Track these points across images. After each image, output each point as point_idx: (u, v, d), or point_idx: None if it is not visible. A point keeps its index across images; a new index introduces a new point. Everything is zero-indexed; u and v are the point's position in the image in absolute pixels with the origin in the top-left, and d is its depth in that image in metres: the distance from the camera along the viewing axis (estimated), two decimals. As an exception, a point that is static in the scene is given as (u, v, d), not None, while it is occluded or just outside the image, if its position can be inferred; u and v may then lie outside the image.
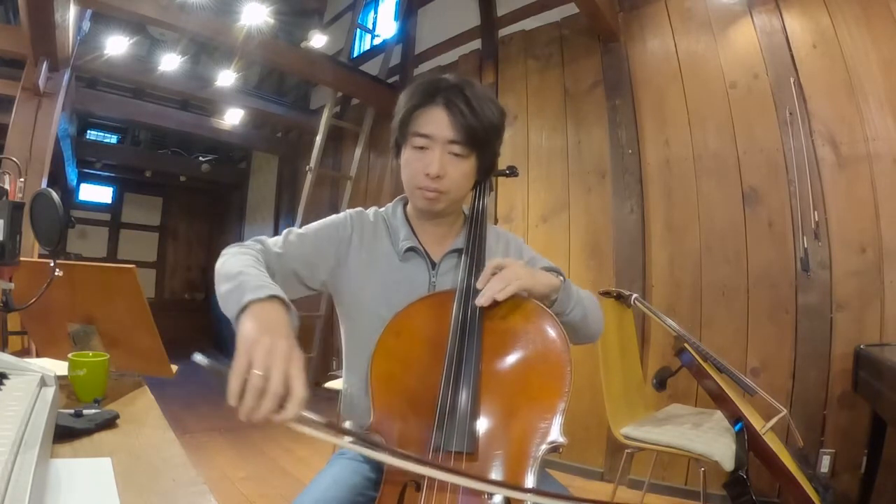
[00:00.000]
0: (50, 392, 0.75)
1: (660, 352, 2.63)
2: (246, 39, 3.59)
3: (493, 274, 0.84)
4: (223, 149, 7.02)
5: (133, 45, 4.34)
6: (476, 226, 0.99)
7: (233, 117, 5.48)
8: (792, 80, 2.35)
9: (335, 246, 0.99)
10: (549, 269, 0.97)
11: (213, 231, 7.93)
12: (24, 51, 3.14)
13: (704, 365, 1.65)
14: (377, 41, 5.05)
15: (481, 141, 0.92)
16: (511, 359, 0.84)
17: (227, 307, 0.74)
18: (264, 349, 0.63)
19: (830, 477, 2.13)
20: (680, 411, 2.04)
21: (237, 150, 7.09)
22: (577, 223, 3.04)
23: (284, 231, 0.99)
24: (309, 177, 4.41)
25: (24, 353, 2.24)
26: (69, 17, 2.90)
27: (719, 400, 1.65)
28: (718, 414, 1.82)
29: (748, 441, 1.56)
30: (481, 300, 0.81)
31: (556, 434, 0.77)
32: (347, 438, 0.74)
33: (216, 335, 6.65)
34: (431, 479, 0.73)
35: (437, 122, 0.91)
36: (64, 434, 0.73)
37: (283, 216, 5.98)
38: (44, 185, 3.22)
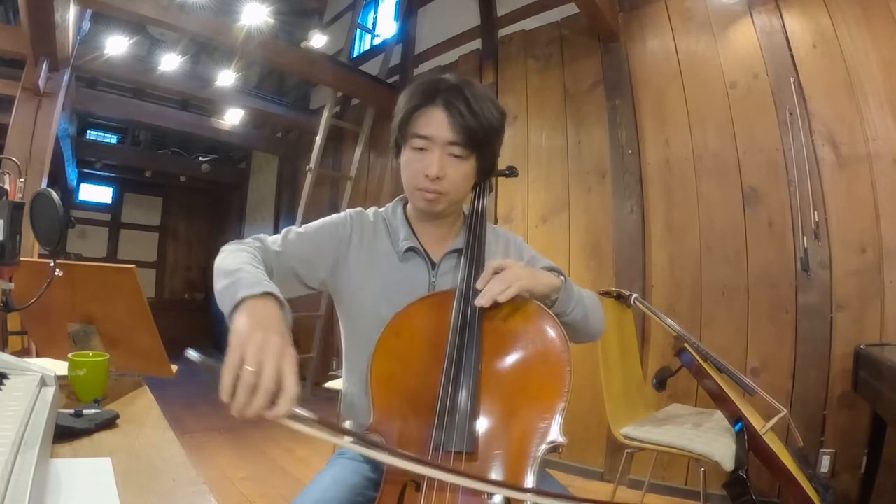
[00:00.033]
0: (50, 392, 0.75)
1: (660, 352, 2.63)
2: (246, 39, 3.59)
3: (494, 275, 0.84)
4: (223, 149, 7.02)
5: (133, 45, 4.34)
6: (476, 226, 0.99)
7: (233, 117, 5.48)
8: (792, 80, 2.35)
9: (334, 245, 0.99)
10: (549, 269, 0.97)
11: (213, 231, 7.93)
12: (24, 51, 3.14)
13: (704, 365, 1.65)
14: (377, 41, 5.05)
15: (481, 142, 0.92)
16: (511, 359, 0.84)
17: (223, 303, 0.74)
18: (256, 345, 0.63)
19: (830, 477, 2.13)
20: (680, 411, 2.04)
21: (237, 150, 7.10)
22: (577, 223, 3.04)
23: (284, 230, 0.99)
24: (309, 177, 4.41)
25: (24, 353, 2.24)
26: (69, 17, 2.90)
27: (719, 400, 1.65)
28: (718, 414, 1.82)
29: (748, 441, 1.56)
30: (482, 301, 0.81)
31: (555, 434, 0.77)
32: (347, 438, 0.74)
33: (216, 335, 6.65)
34: (431, 479, 0.73)
35: (436, 123, 0.91)
36: (64, 434, 0.73)
37: (283, 216, 5.98)
38: (44, 185, 3.22)
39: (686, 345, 1.69)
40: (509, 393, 0.81)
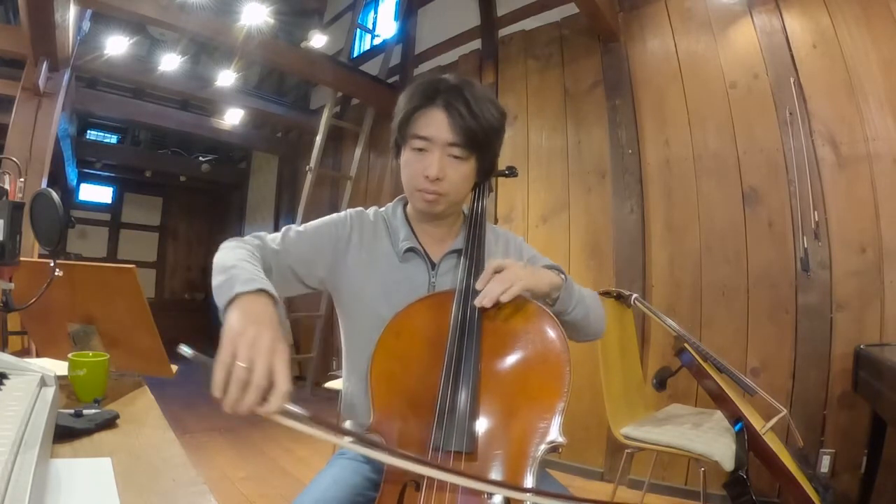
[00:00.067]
0: (50, 392, 0.75)
1: (660, 352, 2.63)
2: (246, 39, 3.59)
3: (494, 275, 0.84)
4: (223, 149, 7.02)
5: (133, 45, 4.34)
6: (475, 226, 0.99)
7: (233, 117, 5.48)
8: (792, 80, 2.35)
9: (333, 244, 0.99)
10: (549, 268, 0.97)
11: (213, 231, 7.92)
12: (24, 51, 3.14)
13: (704, 365, 1.65)
14: (377, 41, 5.05)
15: (481, 143, 0.92)
16: (510, 359, 0.84)
17: (219, 299, 0.75)
18: (248, 341, 0.63)
19: (830, 477, 2.13)
20: (680, 411, 2.04)
21: (237, 150, 7.10)
22: (577, 223, 3.04)
23: (284, 228, 0.99)
24: (309, 177, 4.41)
25: (24, 353, 2.24)
26: (69, 17, 2.90)
27: (719, 400, 1.65)
28: (718, 414, 1.82)
29: (748, 441, 1.56)
30: (483, 301, 0.81)
31: (555, 434, 0.77)
32: (347, 438, 0.74)
33: (216, 335, 6.64)
34: (431, 479, 0.73)
35: (436, 124, 0.91)
36: (64, 434, 0.73)
37: (283, 216, 5.98)
38: (44, 185, 3.22)
39: (686, 345, 1.69)
40: (509, 393, 0.81)
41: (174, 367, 1.19)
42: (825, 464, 2.15)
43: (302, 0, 5.43)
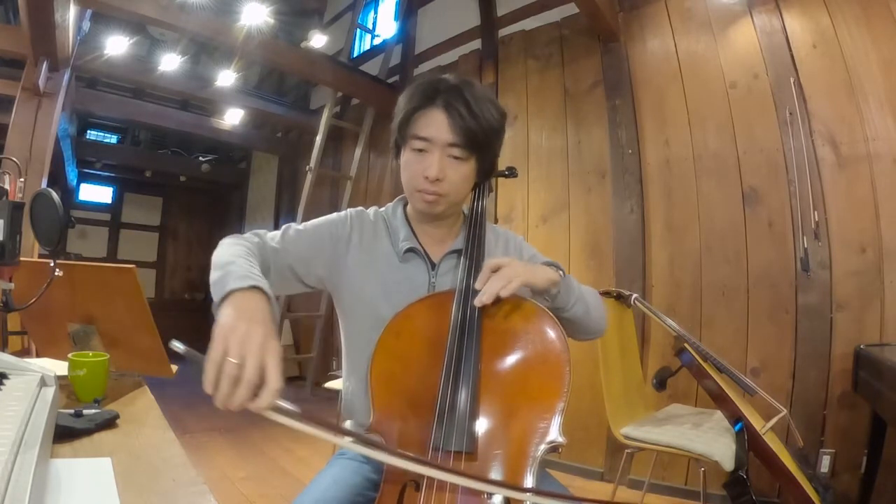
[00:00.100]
0: (50, 392, 0.75)
1: (660, 352, 2.63)
2: (246, 39, 3.59)
3: (492, 274, 0.84)
4: (223, 149, 7.02)
5: (133, 45, 4.34)
6: (475, 226, 0.99)
7: (233, 117, 5.48)
8: (792, 80, 2.35)
9: (333, 243, 0.99)
10: (548, 265, 0.97)
11: (213, 231, 7.92)
12: (24, 51, 3.14)
13: (704, 365, 1.65)
14: (377, 41, 5.05)
15: (481, 143, 0.92)
16: (510, 359, 0.84)
17: (214, 295, 0.75)
18: (240, 337, 0.63)
19: (830, 477, 2.13)
20: (680, 411, 2.04)
21: (237, 150, 7.09)
22: (577, 223, 3.04)
23: (284, 226, 0.99)
24: (309, 177, 4.41)
25: (24, 353, 2.24)
26: (69, 17, 2.90)
27: (719, 400, 1.65)
28: (718, 414, 1.82)
29: (748, 441, 1.56)
30: (483, 297, 0.81)
31: (555, 434, 0.77)
32: (347, 438, 0.74)
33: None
34: (431, 479, 0.73)
35: (436, 124, 0.91)
36: (64, 434, 0.73)
37: (283, 216, 5.98)
38: (44, 185, 3.22)
39: (686, 345, 1.69)
40: (509, 393, 0.81)
41: (174, 367, 1.19)
42: (825, 464, 2.15)
43: (302, 0, 5.43)
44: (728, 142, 2.54)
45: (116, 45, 4.07)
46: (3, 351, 1.02)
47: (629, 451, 1.88)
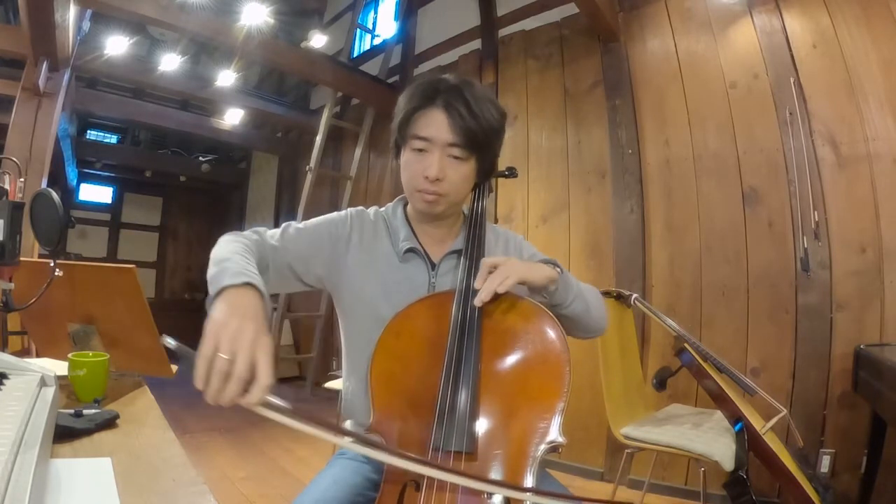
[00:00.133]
0: (50, 392, 0.75)
1: (660, 352, 2.63)
2: (246, 39, 3.59)
3: (490, 272, 0.84)
4: (223, 149, 7.02)
5: (133, 45, 4.34)
6: (475, 226, 0.99)
7: (233, 117, 5.48)
8: (792, 80, 2.35)
9: (332, 243, 0.99)
10: (546, 262, 0.96)
11: (213, 231, 7.89)
12: (24, 51, 3.14)
13: (704, 365, 1.65)
14: (377, 41, 5.05)
15: (481, 143, 0.92)
16: (510, 359, 0.84)
17: (210, 291, 0.75)
18: (231, 333, 0.64)
19: (830, 477, 2.13)
20: (680, 411, 2.04)
21: (237, 150, 7.09)
22: (577, 223, 3.04)
23: (283, 224, 0.99)
24: (309, 177, 4.41)
25: (24, 353, 2.24)
26: (69, 17, 2.90)
27: (719, 400, 1.65)
28: (718, 414, 1.82)
29: (748, 441, 1.56)
30: (482, 296, 0.81)
31: (555, 434, 0.77)
32: (347, 438, 0.74)
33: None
34: (431, 479, 0.73)
35: (436, 124, 0.91)
36: (64, 434, 0.73)
37: (283, 216, 5.98)
38: (44, 185, 3.22)
39: (686, 345, 1.69)
40: (509, 393, 0.81)
41: (174, 367, 1.19)
42: (825, 464, 2.15)
43: (302, 0, 5.43)
44: (728, 142, 2.54)
45: (116, 45, 4.07)
46: (3, 351, 1.03)
47: (629, 451, 1.88)
